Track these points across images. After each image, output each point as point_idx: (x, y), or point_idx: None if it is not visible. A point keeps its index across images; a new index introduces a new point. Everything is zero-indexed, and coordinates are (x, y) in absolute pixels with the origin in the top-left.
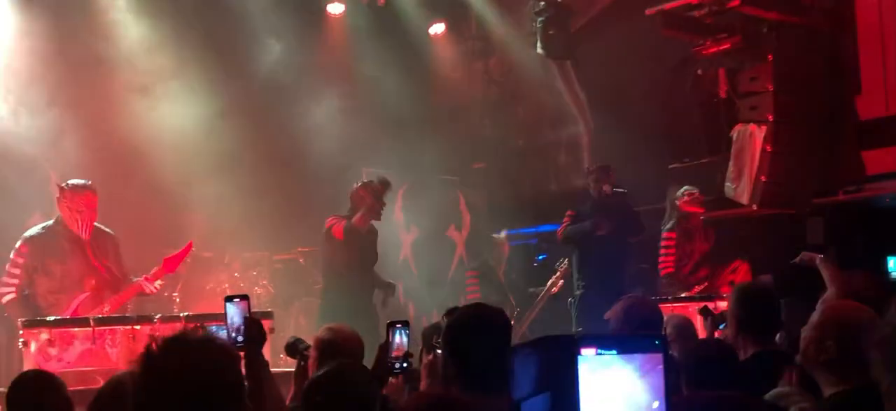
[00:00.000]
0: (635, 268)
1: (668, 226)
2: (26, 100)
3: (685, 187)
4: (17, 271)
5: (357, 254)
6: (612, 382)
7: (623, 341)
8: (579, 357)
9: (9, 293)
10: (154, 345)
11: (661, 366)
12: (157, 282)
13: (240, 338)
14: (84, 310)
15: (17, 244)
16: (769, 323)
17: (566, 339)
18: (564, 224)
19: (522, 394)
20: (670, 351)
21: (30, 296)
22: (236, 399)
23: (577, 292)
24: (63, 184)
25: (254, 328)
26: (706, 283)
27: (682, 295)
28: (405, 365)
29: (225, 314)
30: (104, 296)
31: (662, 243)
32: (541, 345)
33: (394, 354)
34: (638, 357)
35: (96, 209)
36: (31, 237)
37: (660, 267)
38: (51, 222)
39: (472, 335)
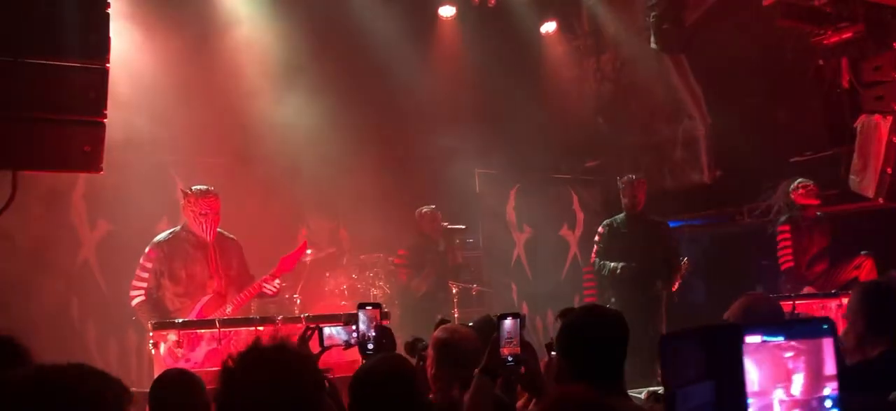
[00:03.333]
0: (756, 266)
1: (782, 219)
2: (152, 110)
3: (799, 179)
4: (145, 275)
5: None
6: (779, 369)
7: (790, 326)
8: (744, 344)
9: (138, 296)
10: (230, 361)
11: (831, 351)
12: (277, 281)
13: (370, 346)
14: (208, 312)
15: (146, 249)
16: None
17: (729, 326)
18: (596, 245)
19: (680, 382)
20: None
21: (158, 300)
22: (314, 402)
23: (610, 304)
24: (187, 190)
25: (383, 337)
26: (821, 280)
27: (805, 291)
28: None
29: (357, 319)
30: (227, 298)
31: (778, 237)
32: (701, 332)
33: (504, 350)
34: (806, 342)
35: (219, 212)
36: (159, 242)
37: (780, 261)
38: (177, 228)
39: (587, 336)
